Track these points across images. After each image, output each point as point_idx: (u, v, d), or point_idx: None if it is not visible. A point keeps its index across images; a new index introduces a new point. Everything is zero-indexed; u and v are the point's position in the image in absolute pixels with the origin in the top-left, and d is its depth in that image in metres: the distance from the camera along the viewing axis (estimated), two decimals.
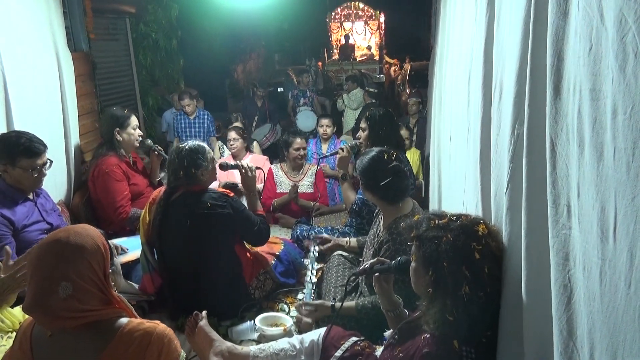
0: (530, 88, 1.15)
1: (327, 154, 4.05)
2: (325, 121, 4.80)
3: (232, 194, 2.47)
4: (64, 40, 3.32)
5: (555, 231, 1.04)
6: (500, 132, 1.40)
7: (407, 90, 9.23)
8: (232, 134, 4.17)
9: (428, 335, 1.42)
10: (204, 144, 2.54)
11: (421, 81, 10.27)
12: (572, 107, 0.97)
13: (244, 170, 2.63)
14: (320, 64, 10.65)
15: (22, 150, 2.35)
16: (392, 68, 11.53)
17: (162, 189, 2.55)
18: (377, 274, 1.79)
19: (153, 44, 5.79)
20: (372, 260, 1.85)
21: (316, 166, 3.87)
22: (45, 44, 3.07)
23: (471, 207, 1.76)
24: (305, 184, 3.92)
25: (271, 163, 4.35)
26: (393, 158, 2.23)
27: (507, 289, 1.36)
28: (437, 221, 1.47)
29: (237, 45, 10.28)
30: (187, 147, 2.44)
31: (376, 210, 2.50)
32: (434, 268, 1.41)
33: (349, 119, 6.85)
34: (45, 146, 2.45)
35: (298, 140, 3.89)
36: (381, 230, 2.26)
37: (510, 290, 1.34)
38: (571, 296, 0.99)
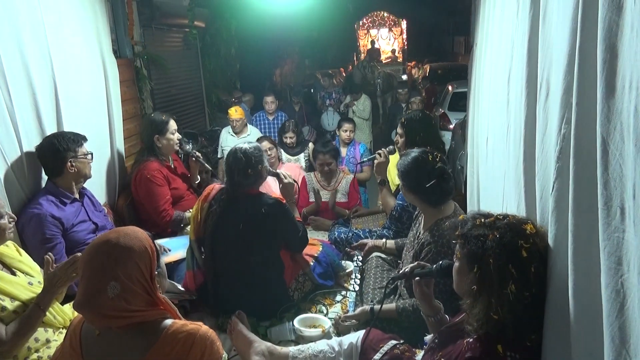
0: (579, 85, 1.11)
1: (364, 159, 4.02)
2: (348, 125, 4.81)
3: (284, 201, 2.51)
4: (109, 47, 3.44)
5: (606, 234, 0.99)
6: (546, 131, 1.35)
7: (428, 86, 10.59)
8: (266, 144, 4.07)
9: (471, 340, 1.40)
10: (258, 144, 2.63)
11: (438, 79, 11.37)
12: (628, 105, 0.92)
13: (283, 178, 2.66)
14: (350, 66, 11.47)
15: (75, 139, 2.52)
16: (414, 70, 12.55)
17: (215, 186, 2.60)
18: (417, 279, 1.76)
19: (216, 52, 6.67)
20: (412, 265, 1.81)
21: (351, 175, 3.85)
22: (92, 50, 3.19)
23: (512, 208, 1.72)
24: (339, 193, 3.93)
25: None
26: (437, 159, 2.18)
27: (552, 293, 1.32)
28: (483, 220, 1.45)
29: (276, 51, 11.36)
30: (248, 146, 2.49)
31: (416, 212, 2.46)
32: (479, 265, 1.38)
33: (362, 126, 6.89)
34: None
35: (321, 156, 3.92)
36: (421, 232, 2.22)
37: (556, 295, 1.29)
38: (624, 302, 0.95)
